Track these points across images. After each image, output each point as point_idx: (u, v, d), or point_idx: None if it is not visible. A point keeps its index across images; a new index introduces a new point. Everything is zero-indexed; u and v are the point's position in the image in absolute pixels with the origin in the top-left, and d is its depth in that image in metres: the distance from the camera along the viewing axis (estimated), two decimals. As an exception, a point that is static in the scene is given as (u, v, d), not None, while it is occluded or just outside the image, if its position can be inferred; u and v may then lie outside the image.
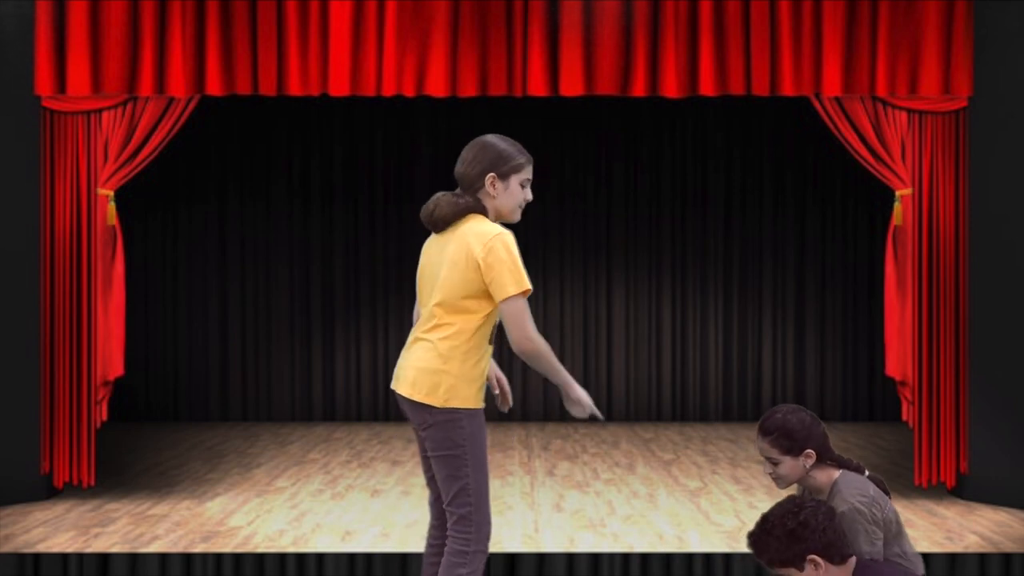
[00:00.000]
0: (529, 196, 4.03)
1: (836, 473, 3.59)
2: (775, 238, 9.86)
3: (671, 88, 6.48)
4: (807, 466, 3.58)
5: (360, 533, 5.75)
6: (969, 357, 6.52)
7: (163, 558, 5.31)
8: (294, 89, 6.44)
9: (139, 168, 6.63)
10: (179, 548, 5.43)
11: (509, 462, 7.80)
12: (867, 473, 3.66)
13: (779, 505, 3.18)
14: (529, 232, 9.82)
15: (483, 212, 3.94)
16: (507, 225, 4.06)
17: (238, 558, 5.33)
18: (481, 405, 3.90)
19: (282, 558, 5.33)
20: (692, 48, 6.52)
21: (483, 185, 3.93)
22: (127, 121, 6.54)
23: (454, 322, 3.83)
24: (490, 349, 3.92)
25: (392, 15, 6.43)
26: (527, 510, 6.30)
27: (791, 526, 3.09)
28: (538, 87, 6.49)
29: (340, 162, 9.81)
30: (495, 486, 6.94)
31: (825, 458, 3.61)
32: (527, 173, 3.99)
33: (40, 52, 6.41)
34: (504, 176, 3.94)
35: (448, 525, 3.85)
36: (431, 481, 4.00)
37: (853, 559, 3.11)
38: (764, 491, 6.79)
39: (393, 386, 3.94)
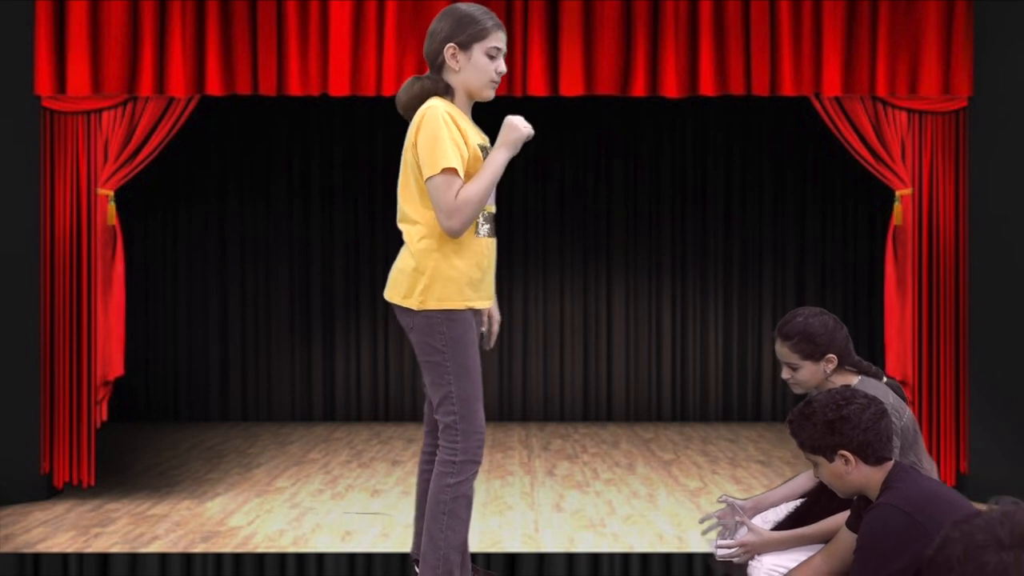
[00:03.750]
0: (501, 68, 3.60)
1: (855, 379, 3.50)
2: (775, 238, 9.86)
3: (671, 88, 6.48)
4: (827, 371, 3.48)
5: (360, 533, 5.75)
6: (969, 357, 6.52)
7: (163, 558, 5.31)
8: (294, 89, 6.44)
9: (139, 168, 6.63)
10: (179, 548, 5.43)
11: (509, 462, 7.80)
12: (885, 379, 3.56)
13: (829, 392, 3.04)
14: (529, 232, 9.83)
15: (445, 93, 3.60)
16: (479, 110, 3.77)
17: (238, 558, 5.33)
18: (463, 306, 3.56)
19: (282, 558, 5.33)
20: (692, 48, 6.52)
21: (445, 58, 3.58)
22: (127, 121, 6.54)
23: (421, 218, 3.56)
24: (480, 243, 3.60)
25: (392, 15, 6.43)
26: (527, 510, 6.30)
27: (831, 417, 2.96)
28: (538, 87, 6.49)
29: (340, 162, 9.81)
30: (495, 486, 6.94)
31: (845, 363, 3.51)
32: (495, 40, 3.57)
33: (40, 52, 6.41)
34: (465, 45, 3.56)
35: (439, 433, 3.64)
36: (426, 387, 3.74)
37: (890, 463, 3.01)
38: (764, 490, 6.78)
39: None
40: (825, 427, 2.99)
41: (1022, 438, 6.38)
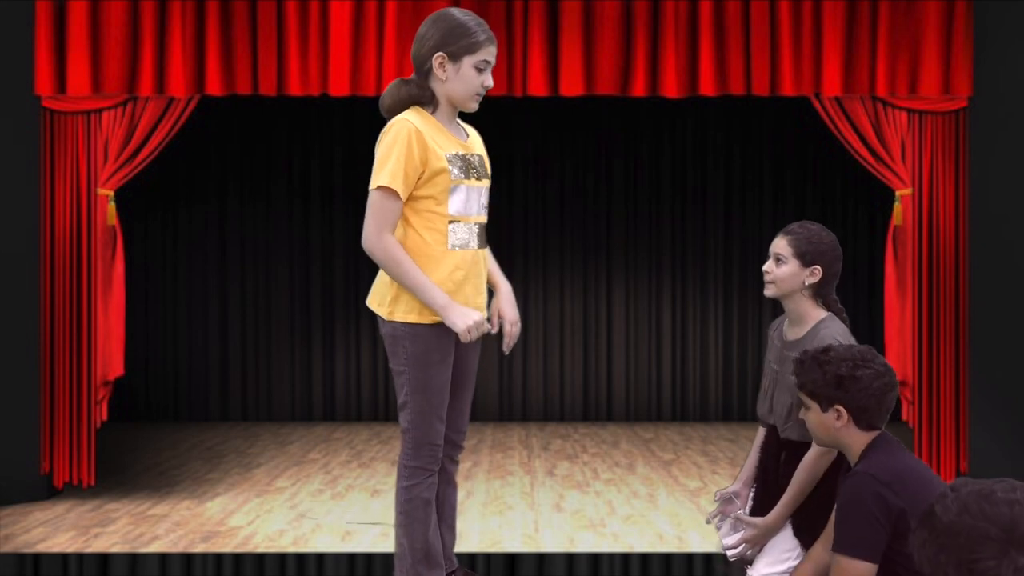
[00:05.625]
0: (488, 82, 3.52)
1: (824, 313, 3.48)
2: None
3: (671, 88, 6.48)
4: (806, 283, 3.45)
5: (360, 533, 5.75)
6: (969, 357, 6.52)
7: (163, 558, 5.32)
8: (294, 89, 6.44)
9: (139, 168, 6.63)
10: (179, 548, 5.43)
11: (509, 462, 7.80)
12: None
13: (849, 348, 3.04)
14: (529, 232, 9.82)
15: (427, 102, 3.55)
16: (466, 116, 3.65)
17: (238, 558, 5.33)
18: (428, 320, 3.50)
19: (282, 558, 5.33)
20: (692, 48, 6.52)
21: (432, 67, 3.51)
22: (127, 121, 6.54)
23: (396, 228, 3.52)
24: (453, 256, 3.51)
25: (392, 15, 6.43)
26: (527, 510, 6.30)
27: (844, 372, 2.96)
28: (538, 87, 6.49)
29: (340, 162, 9.81)
30: (495, 486, 6.94)
31: (823, 291, 3.49)
32: (485, 54, 3.49)
33: (40, 52, 6.41)
34: (455, 56, 3.48)
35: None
36: None
37: (876, 433, 3.02)
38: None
39: None
40: (834, 379, 2.99)
41: (1022, 438, 6.38)
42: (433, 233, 3.49)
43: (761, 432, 3.68)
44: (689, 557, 5.31)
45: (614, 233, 9.86)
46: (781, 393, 3.52)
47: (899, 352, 6.67)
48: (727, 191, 9.87)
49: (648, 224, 9.87)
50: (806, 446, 3.38)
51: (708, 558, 5.31)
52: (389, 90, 3.58)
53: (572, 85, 6.48)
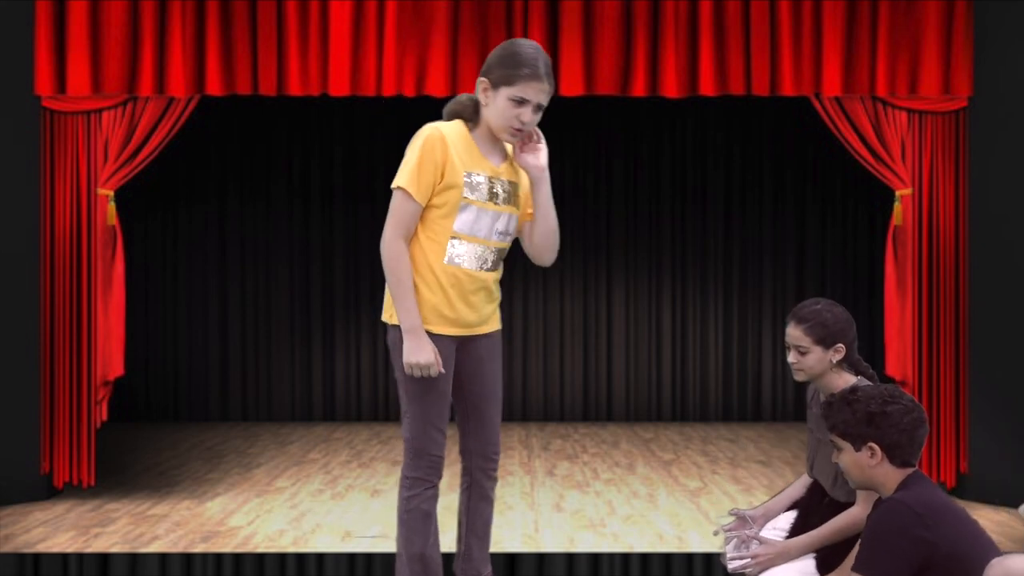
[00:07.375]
0: (525, 117, 3.49)
1: (853, 379, 3.53)
2: (775, 237, 9.86)
3: (671, 88, 6.48)
4: (833, 361, 3.50)
5: (360, 533, 5.75)
6: (969, 357, 6.52)
7: (163, 558, 5.32)
8: (294, 89, 6.44)
9: (139, 168, 6.63)
10: (179, 548, 5.43)
11: (509, 462, 7.80)
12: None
13: (876, 386, 3.08)
14: (529, 232, 9.81)
15: (469, 118, 3.59)
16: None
17: (238, 558, 5.33)
18: (428, 329, 3.54)
19: (282, 558, 5.33)
20: (692, 48, 6.52)
21: (479, 89, 3.56)
22: (127, 121, 6.54)
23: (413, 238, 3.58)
24: (449, 271, 3.54)
25: (392, 15, 6.43)
26: (527, 510, 6.30)
27: (874, 409, 3.00)
28: (538, 87, 6.48)
29: (340, 162, 9.81)
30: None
31: (849, 359, 3.55)
32: (523, 91, 3.47)
33: (40, 52, 6.41)
34: (495, 85, 3.51)
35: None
36: None
37: (911, 470, 3.02)
38: (765, 491, 6.79)
39: None
40: (865, 417, 3.01)
41: (1022, 438, 6.38)
42: (433, 244, 3.54)
43: (805, 479, 3.74)
44: (689, 557, 5.31)
45: (614, 233, 9.86)
46: (824, 462, 3.58)
47: (899, 352, 6.67)
48: (727, 191, 9.86)
49: (648, 224, 9.87)
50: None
51: (708, 558, 5.31)
52: (448, 104, 3.68)
53: (572, 85, 6.48)
